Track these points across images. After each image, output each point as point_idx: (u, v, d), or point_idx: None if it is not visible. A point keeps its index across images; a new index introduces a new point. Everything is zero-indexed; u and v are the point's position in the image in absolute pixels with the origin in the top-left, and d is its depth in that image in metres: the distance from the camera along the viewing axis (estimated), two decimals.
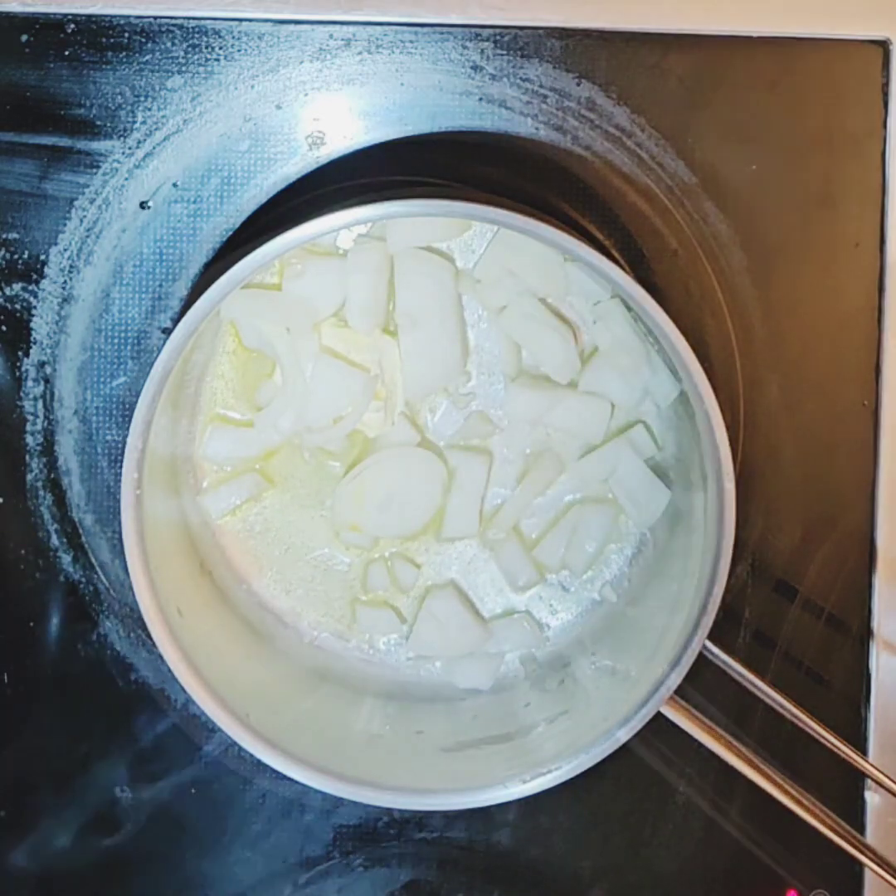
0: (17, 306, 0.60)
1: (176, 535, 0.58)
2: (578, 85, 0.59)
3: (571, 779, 0.58)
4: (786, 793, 0.52)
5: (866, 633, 0.61)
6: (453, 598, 0.61)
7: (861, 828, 0.61)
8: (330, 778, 0.53)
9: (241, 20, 0.59)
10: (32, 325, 0.60)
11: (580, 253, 0.50)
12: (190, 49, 0.59)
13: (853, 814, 0.61)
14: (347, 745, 0.56)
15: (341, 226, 0.50)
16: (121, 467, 0.51)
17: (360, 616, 0.61)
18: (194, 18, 0.59)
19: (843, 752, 0.54)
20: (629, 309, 0.57)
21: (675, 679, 0.52)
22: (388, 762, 0.56)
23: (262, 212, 0.59)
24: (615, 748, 0.53)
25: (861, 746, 0.61)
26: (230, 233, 0.59)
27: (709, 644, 0.53)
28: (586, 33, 0.59)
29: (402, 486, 0.59)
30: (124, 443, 0.51)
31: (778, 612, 0.61)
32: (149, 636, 0.52)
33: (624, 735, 0.53)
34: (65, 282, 0.59)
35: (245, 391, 0.59)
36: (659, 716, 0.53)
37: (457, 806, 0.54)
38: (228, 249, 0.59)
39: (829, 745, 0.54)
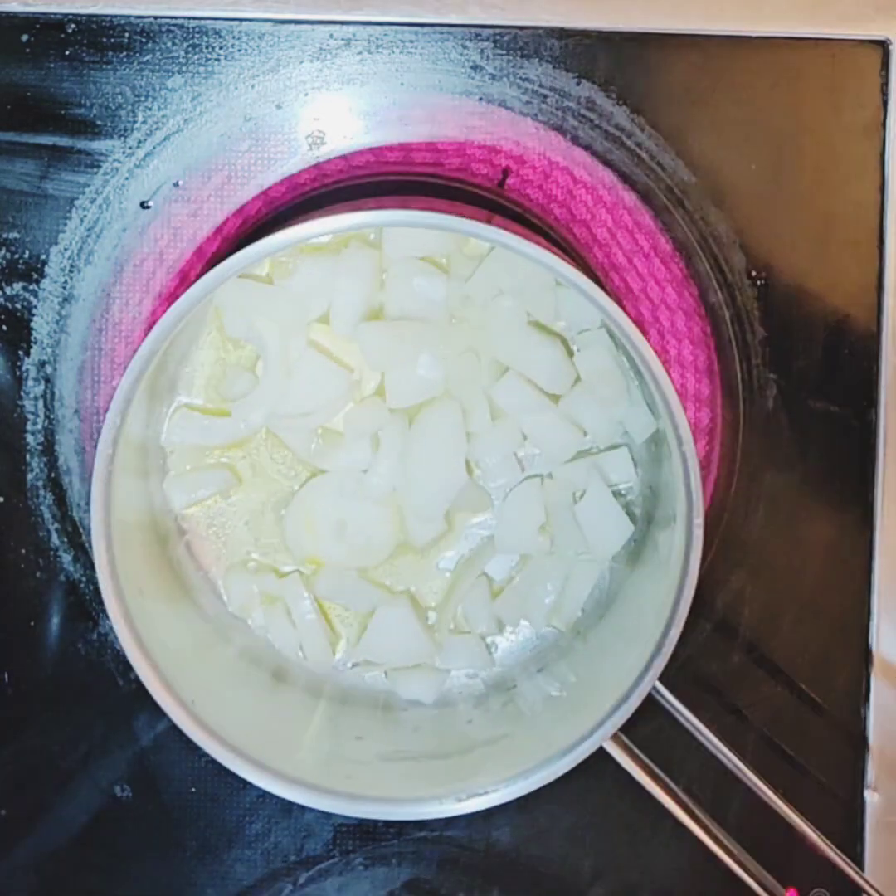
0: (18, 306, 0.60)
1: (144, 521, 0.58)
2: (578, 85, 0.59)
3: (571, 778, 0.58)
4: (718, 843, 0.53)
5: (866, 633, 0.61)
6: (405, 609, 0.60)
7: (861, 827, 0.61)
8: (265, 774, 0.53)
9: (241, 20, 0.59)
10: (33, 324, 0.60)
11: (570, 276, 0.50)
12: (190, 49, 0.59)
13: (853, 813, 0.61)
14: (287, 743, 0.56)
15: (332, 230, 0.50)
16: None
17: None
18: (194, 18, 0.59)
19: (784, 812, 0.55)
20: (615, 341, 0.57)
21: (620, 718, 0.52)
22: (325, 764, 0.55)
23: (263, 211, 0.59)
24: (555, 778, 0.53)
25: (860, 751, 0.62)
26: (230, 232, 0.59)
27: (659, 686, 0.53)
28: (586, 33, 0.59)
29: (351, 510, 0.59)
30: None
31: (777, 612, 0.61)
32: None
33: (564, 766, 0.52)
34: (65, 281, 0.59)
35: (221, 381, 0.59)
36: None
37: (388, 816, 0.54)
38: (229, 249, 0.59)
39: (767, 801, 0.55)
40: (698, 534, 0.50)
